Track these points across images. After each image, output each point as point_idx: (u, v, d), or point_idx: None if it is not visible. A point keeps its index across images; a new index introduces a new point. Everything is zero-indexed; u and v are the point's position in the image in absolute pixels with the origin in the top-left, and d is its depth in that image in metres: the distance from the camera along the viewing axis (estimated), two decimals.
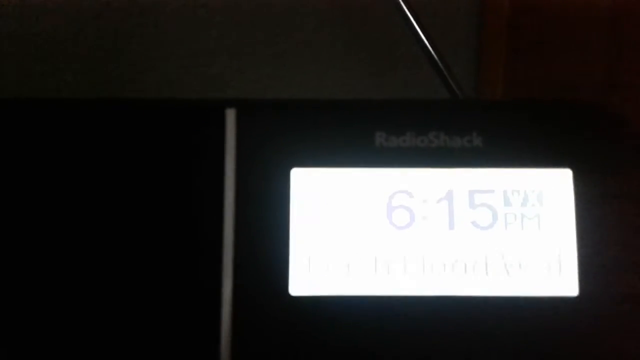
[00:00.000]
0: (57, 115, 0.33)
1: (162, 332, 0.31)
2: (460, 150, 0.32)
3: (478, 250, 0.32)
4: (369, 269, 0.32)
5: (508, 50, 0.52)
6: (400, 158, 0.32)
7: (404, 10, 0.44)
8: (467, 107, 0.34)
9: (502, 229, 0.32)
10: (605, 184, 0.32)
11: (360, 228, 0.32)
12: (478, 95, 0.52)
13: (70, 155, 0.32)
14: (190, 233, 0.32)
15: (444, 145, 0.32)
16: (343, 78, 0.56)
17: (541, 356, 0.31)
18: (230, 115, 0.33)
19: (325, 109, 0.33)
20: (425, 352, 0.31)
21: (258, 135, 0.32)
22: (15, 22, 0.54)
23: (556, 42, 0.52)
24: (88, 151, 0.32)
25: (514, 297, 0.31)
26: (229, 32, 0.55)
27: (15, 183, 0.32)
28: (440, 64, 0.43)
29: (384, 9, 0.51)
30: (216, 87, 0.55)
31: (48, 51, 0.54)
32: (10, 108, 0.33)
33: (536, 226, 0.32)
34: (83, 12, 0.54)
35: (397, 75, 0.55)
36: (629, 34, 0.51)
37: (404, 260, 0.32)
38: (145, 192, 0.32)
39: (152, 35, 0.55)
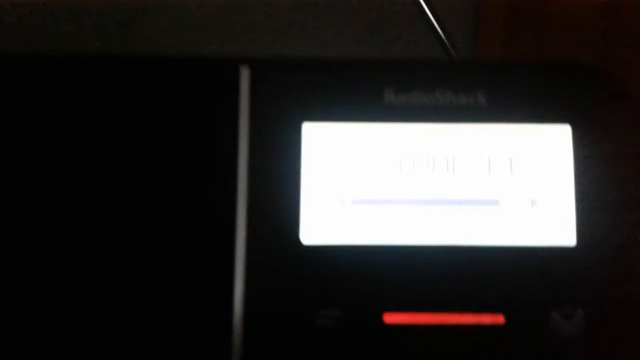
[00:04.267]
0: (69, 72, 0.34)
1: (177, 280, 0.33)
2: (465, 108, 0.34)
3: (480, 200, 0.33)
4: (378, 218, 0.33)
5: (506, 31, 0.53)
6: (408, 114, 0.34)
7: None
8: (473, 67, 0.35)
9: (502, 180, 0.33)
10: (603, 141, 0.34)
11: (369, 179, 0.33)
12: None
13: (85, 112, 0.34)
14: (205, 186, 0.33)
15: (450, 103, 0.34)
16: (339, 36, 0.55)
17: (541, 304, 0.33)
18: (245, 73, 0.34)
19: (337, 67, 0.34)
20: (429, 298, 0.33)
21: (271, 91, 0.34)
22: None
23: (553, 24, 0.53)
24: (102, 109, 0.34)
25: (515, 247, 0.33)
26: (231, 5, 0.56)
27: (21, 143, 0.33)
28: (436, 26, 0.43)
29: None
30: None
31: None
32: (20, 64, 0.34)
33: (536, 178, 0.33)
34: None
35: (393, 35, 0.55)
36: (622, 18, 0.52)
37: (412, 207, 0.33)
38: (160, 148, 0.33)
39: (156, 14, 0.55)
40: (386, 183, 0.34)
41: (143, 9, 0.55)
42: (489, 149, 0.34)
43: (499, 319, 0.32)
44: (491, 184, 0.34)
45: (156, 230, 0.33)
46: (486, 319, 0.32)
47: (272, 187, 0.33)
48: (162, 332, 0.32)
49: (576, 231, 0.33)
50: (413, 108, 0.34)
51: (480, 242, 0.33)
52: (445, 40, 0.42)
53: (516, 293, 0.33)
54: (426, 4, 0.43)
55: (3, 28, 0.54)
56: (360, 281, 0.33)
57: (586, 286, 0.33)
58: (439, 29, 0.42)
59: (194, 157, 0.33)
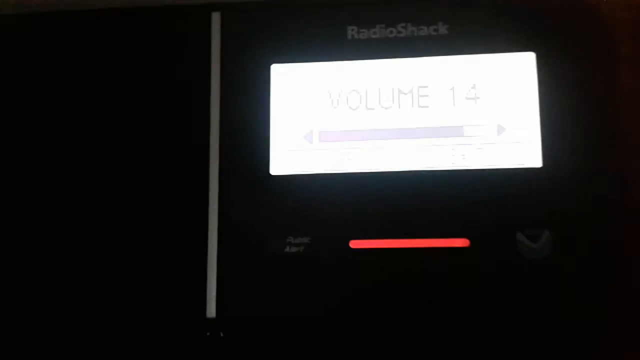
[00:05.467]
0: (58, 30, 0.37)
1: (155, 212, 0.34)
2: (427, 39, 0.34)
3: (448, 128, 0.34)
4: (345, 149, 0.34)
5: None
6: (371, 50, 0.35)
7: None
8: None
9: (469, 109, 0.34)
10: (568, 66, 0.33)
11: (336, 114, 0.34)
12: None
13: (63, 66, 0.36)
14: (181, 125, 0.35)
15: (412, 35, 0.34)
16: None
17: (508, 226, 0.32)
18: (216, 18, 0.36)
19: (301, 8, 0.35)
20: (395, 224, 0.33)
21: (241, 35, 0.36)
22: None
23: None
24: (79, 61, 0.36)
25: (480, 170, 0.33)
26: None
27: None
28: None
29: None
30: None
31: None
32: None
33: (501, 106, 0.34)
34: None
35: None
36: None
37: (378, 139, 0.34)
38: (140, 91, 0.36)
39: None
40: (352, 117, 0.34)
41: None
42: (452, 79, 0.34)
43: (465, 242, 0.32)
44: (456, 113, 0.34)
45: (134, 164, 0.35)
46: (452, 242, 0.32)
47: (244, 125, 0.35)
48: (138, 257, 0.34)
49: (542, 153, 0.33)
50: (376, 43, 0.35)
51: (449, 165, 0.33)
52: None
53: (483, 216, 0.32)
54: None
55: None
56: (327, 209, 0.33)
57: (552, 208, 0.32)
58: None
59: (170, 99, 0.35)
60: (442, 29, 0.34)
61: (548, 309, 0.31)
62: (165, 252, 0.34)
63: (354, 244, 0.33)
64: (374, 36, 0.35)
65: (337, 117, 0.35)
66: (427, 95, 0.34)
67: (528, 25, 0.34)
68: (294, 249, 0.33)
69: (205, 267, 0.34)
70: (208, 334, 0.33)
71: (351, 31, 0.35)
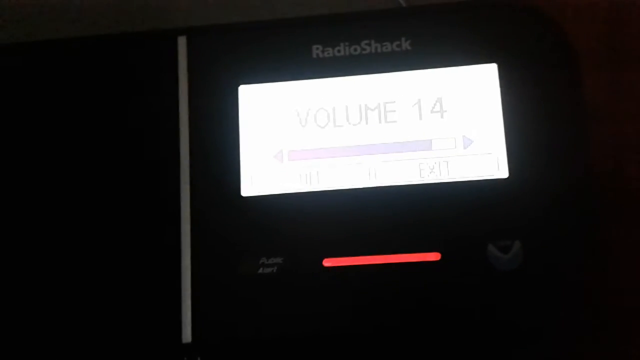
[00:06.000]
0: (34, 58, 0.37)
1: (126, 238, 0.34)
2: (390, 55, 0.35)
3: (415, 142, 0.34)
4: (314, 168, 0.34)
5: None
6: (337, 67, 0.35)
7: None
8: (395, 14, 0.36)
9: (436, 123, 0.34)
10: (530, 77, 0.34)
11: (304, 133, 0.35)
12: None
13: (36, 92, 0.36)
14: (151, 148, 0.35)
15: (375, 51, 0.35)
16: None
17: (478, 238, 0.32)
18: (182, 42, 0.36)
19: (266, 29, 0.36)
20: (367, 241, 0.33)
21: (207, 57, 0.36)
22: None
23: None
24: (46, 89, 0.36)
25: (448, 182, 0.33)
26: None
27: None
28: None
29: None
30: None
31: None
32: None
33: (466, 118, 0.34)
34: None
35: None
36: None
37: (346, 156, 0.34)
38: (110, 116, 0.36)
39: None
40: (321, 135, 0.35)
41: None
42: (418, 94, 0.34)
43: (436, 256, 0.32)
44: (423, 128, 0.34)
45: (108, 190, 0.35)
46: (423, 256, 0.32)
47: (214, 147, 0.35)
48: (111, 284, 0.34)
49: (507, 164, 0.33)
50: (341, 61, 0.35)
51: (416, 180, 0.33)
52: None
53: (453, 229, 0.33)
54: None
55: None
56: (299, 228, 0.34)
57: (521, 218, 0.32)
58: None
59: (140, 123, 0.36)
60: (405, 45, 0.35)
61: (522, 319, 0.32)
62: (138, 280, 0.34)
63: (327, 262, 0.33)
64: (338, 54, 0.35)
65: (306, 136, 0.35)
66: (394, 111, 0.34)
67: (489, 37, 0.34)
68: (267, 270, 0.33)
69: (180, 292, 0.34)
70: (185, 359, 0.33)
71: (316, 50, 0.35)
